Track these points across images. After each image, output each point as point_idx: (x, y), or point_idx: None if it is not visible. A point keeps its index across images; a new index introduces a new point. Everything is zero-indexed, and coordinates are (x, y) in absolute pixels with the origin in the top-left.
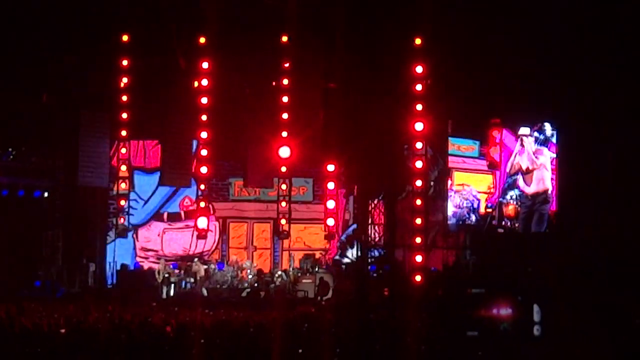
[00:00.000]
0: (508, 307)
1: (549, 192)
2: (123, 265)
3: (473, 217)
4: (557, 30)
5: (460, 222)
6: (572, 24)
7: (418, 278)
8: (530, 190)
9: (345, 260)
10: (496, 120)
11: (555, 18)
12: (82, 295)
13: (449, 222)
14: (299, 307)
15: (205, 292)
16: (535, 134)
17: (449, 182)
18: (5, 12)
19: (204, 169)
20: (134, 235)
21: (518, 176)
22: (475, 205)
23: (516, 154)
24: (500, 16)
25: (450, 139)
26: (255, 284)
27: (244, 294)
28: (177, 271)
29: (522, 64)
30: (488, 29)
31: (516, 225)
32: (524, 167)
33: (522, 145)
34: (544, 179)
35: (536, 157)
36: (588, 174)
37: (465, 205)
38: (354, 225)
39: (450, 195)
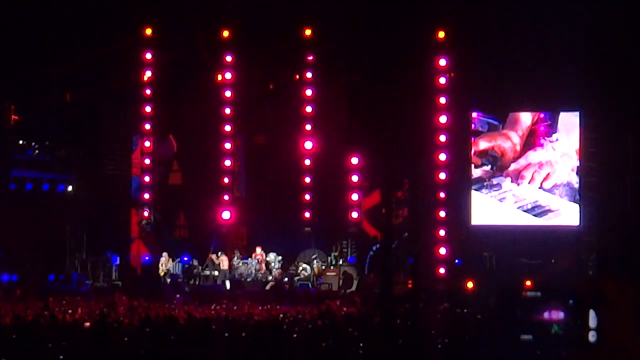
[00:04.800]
0: (559, 311)
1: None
2: (146, 259)
3: None
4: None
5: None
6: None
7: (442, 271)
8: None
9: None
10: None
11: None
12: (108, 289)
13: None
14: (324, 301)
15: (228, 285)
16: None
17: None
18: (28, 9)
19: (227, 162)
20: None
21: None
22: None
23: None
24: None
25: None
26: (286, 278)
27: (267, 287)
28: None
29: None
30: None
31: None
32: None
33: None
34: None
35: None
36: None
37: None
38: None
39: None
